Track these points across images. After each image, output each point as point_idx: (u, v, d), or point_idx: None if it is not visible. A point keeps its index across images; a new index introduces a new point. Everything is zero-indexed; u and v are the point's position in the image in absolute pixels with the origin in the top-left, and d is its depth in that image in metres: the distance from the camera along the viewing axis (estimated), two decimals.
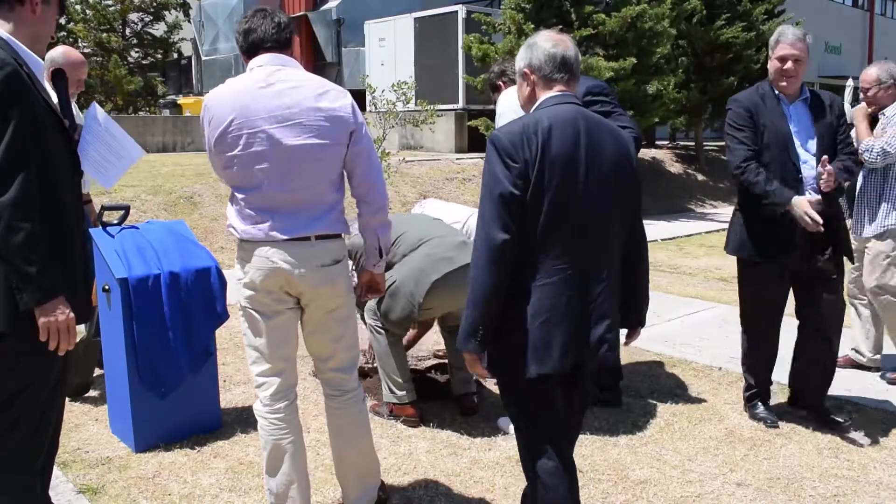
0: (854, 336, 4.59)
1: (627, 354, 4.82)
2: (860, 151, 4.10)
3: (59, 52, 3.89)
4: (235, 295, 2.74)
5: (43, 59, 2.30)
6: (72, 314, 2.11)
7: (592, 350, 2.23)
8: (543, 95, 2.31)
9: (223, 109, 2.52)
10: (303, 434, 2.76)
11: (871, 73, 4.26)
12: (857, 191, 4.28)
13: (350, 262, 3.10)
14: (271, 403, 2.63)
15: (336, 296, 2.65)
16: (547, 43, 2.33)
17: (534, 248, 2.16)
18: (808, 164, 3.52)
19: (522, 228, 2.15)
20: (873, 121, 4.27)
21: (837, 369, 3.82)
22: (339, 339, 2.71)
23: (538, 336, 2.15)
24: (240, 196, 2.57)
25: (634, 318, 2.46)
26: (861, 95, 4.31)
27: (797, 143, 3.54)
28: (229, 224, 2.65)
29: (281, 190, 2.51)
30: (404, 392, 3.70)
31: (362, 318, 3.69)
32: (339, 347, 2.72)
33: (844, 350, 4.58)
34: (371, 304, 3.70)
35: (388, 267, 3.52)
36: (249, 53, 2.62)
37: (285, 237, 2.53)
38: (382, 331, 3.70)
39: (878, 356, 4.54)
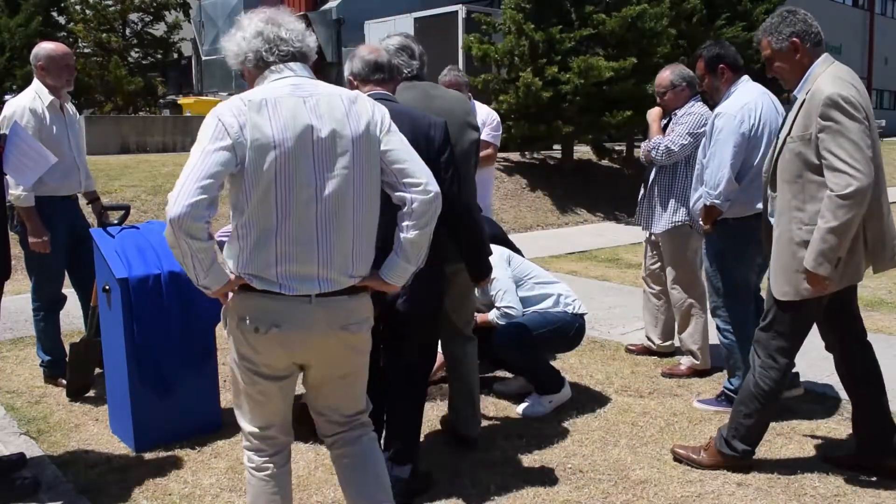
0: (644, 322, 4.81)
1: (628, 354, 4.83)
2: (648, 149, 4.37)
3: (41, 46, 4.18)
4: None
5: None
6: None
7: (391, 299, 2.76)
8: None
9: None
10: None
11: (665, 76, 4.42)
12: (647, 187, 4.47)
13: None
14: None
15: None
16: (363, 51, 2.92)
17: None
18: None
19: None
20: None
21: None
22: None
23: None
24: None
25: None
26: (658, 99, 4.48)
27: None
28: None
29: None
30: None
31: None
32: None
33: (641, 338, 4.88)
34: None
35: None
36: None
37: None
38: None
39: (668, 342, 4.70)
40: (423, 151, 2.69)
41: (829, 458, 3.30)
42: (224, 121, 2.04)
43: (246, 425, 2.34)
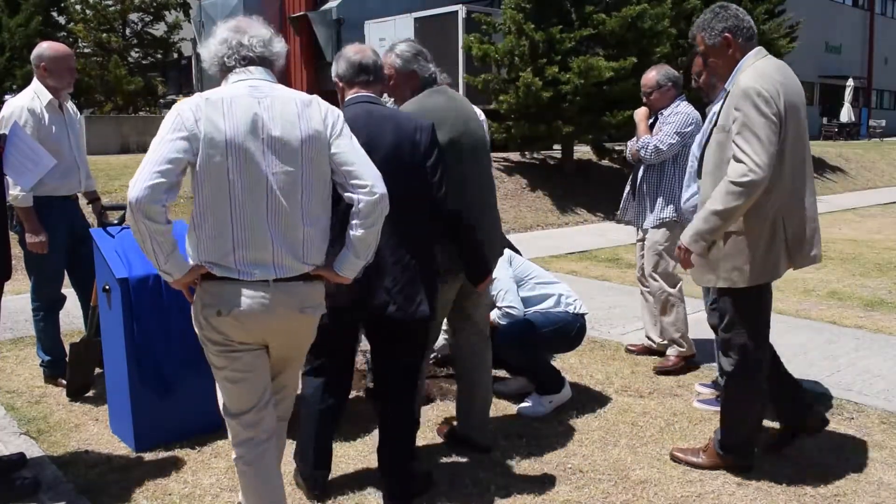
0: (644, 322, 4.86)
1: (628, 354, 4.83)
2: (637, 148, 4.46)
3: (44, 47, 4.15)
4: None
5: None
6: None
7: (379, 305, 2.74)
8: (347, 97, 2.84)
9: None
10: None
11: (651, 76, 4.53)
12: (637, 185, 4.56)
13: None
14: None
15: None
16: (349, 52, 2.86)
17: None
18: None
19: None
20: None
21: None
22: None
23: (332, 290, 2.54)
24: None
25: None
26: (644, 99, 4.58)
27: None
28: None
29: None
30: None
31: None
32: None
33: (640, 338, 4.91)
34: None
35: None
36: None
37: None
38: None
39: (667, 340, 4.72)
40: (408, 156, 2.74)
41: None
42: (182, 115, 2.20)
43: (231, 419, 2.42)
